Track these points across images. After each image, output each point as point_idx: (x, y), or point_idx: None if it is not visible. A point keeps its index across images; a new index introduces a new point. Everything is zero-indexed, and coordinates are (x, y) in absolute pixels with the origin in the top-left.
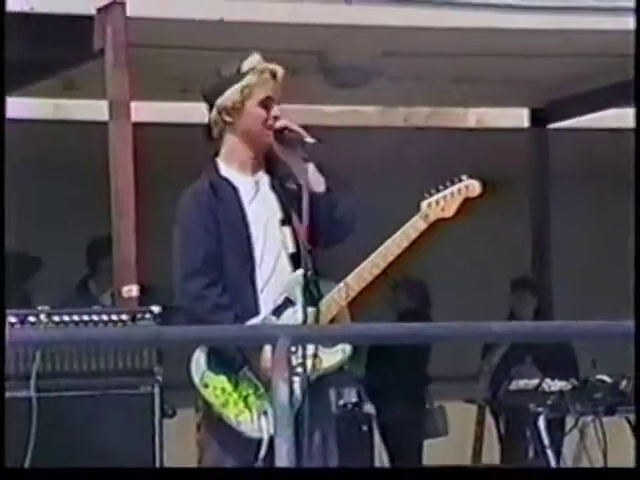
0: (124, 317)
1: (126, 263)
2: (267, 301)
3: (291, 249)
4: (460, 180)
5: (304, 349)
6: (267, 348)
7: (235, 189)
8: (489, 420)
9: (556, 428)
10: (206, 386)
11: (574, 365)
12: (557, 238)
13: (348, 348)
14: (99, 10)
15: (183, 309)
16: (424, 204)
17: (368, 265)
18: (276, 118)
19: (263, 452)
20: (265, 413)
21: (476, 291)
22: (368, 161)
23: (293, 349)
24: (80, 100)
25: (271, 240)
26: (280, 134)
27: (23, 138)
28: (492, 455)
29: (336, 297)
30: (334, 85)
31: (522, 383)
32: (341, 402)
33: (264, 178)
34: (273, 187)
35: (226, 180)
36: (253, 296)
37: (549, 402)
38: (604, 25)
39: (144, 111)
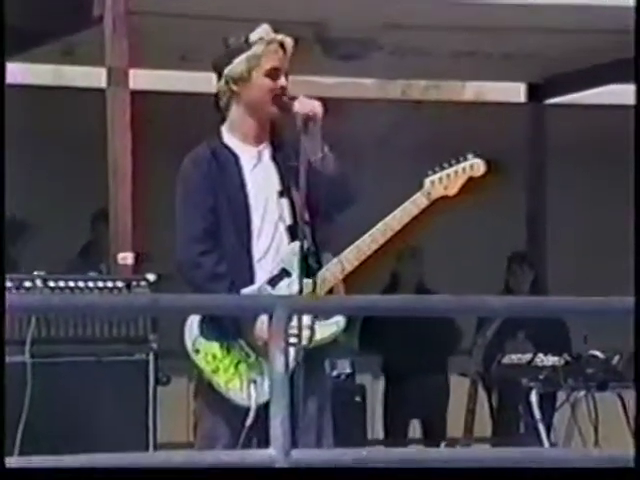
0: (119, 284)
1: (122, 231)
2: (263, 271)
3: (289, 221)
4: (465, 159)
5: (299, 320)
6: (262, 318)
7: (236, 157)
8: (481, 394)
9: (548, 403)
10: (197, 352)
11: (567, 340)
12: (553, 213)
13: (342, 321)
14: None
15: (181, 276)
16: (427, 181)
17: (367, 239)
18: (283, 89)
19: (249, 421)
20: (254, 382)
21: (471, 265)
22: (366, 133)
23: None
24: (79, 67)
25: (270, 211)
26: (306, 119)
27: (22, 104)
28: (484, 429)
29: (333, 270)
30: (333, 57)
31: (515, 358)
32: (335, 373)
33: (267, 149)
34: (274, 158)
35: (228, 148)
36: (249, 265)
37: (541, 377)
38: (603, 1)
39: (143, 79)
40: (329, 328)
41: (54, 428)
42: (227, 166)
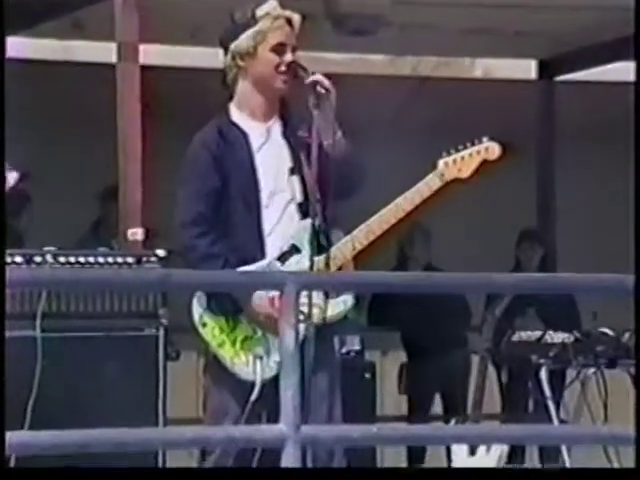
0: (129, 260)
1: (132, 206)
2: (273, 247)
3: (299, 198)
4: (480, 141)
5: (309, 298)
6: (259, 293)
7: (245, 134)
8: (491, 371)
9: (557, 380)
10: (204, 325)
11: (577, 318)
12: (563, 190)
13: (350, 300)
14: None
15: (182, 255)
16: (441, 162)
17: (378, 219)
18: (290, 64)
19: (254, 396)
20: (260, 358)
21: (481, 242)
22: (375, 110)
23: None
24: (89, 42)
25: (280, 188)
26: (313, 89)
27: (30, 78)
28: (493, 405)
29: (343, 249)
30: (342, 33)
31: (525, 335)
32: (344, 350)
33: (276, 125)
34: (284, 135)
35: (236, 125)
36: (259, 241)
37: (551, 354)
38: None
39: (153, 54)
40: (336, 307)
41: (64, 403)
42: (235, 144)
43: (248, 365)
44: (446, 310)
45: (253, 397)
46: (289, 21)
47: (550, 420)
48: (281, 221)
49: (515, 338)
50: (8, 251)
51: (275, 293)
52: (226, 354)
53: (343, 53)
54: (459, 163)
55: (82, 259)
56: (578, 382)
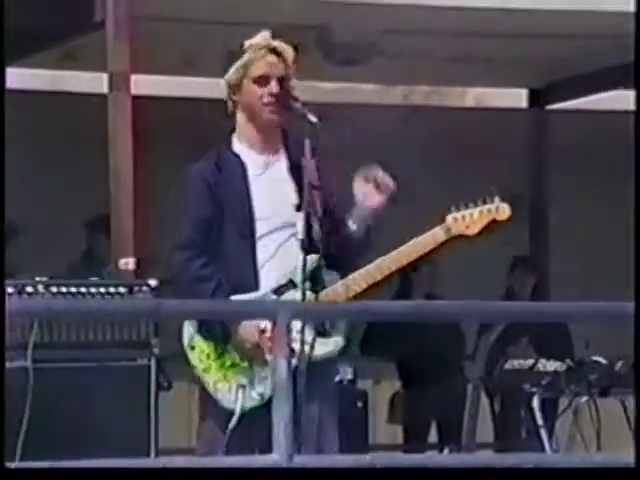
0: (121, 290)
1: (124, 236)
2: (268, 279)
3: (301, 235)
4: (492, 201)
5: (302, 334)
6: (245, 323)
7: (243, 164)
8: (483, 399)
9: (550, 408)
10: (193, 348)
11: (569, 346)
12: (555, 218)
13: (341, 341)
14: None
15: (169, 279)
16: (449, 217)
17: (380, 266)
18: (276, 95)
19: (232, 424)
20: (243, 387)
21: (475, 270)
22: (367, 138)
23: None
24: (80, 72)
25: (280, 221)
26: (304, 119)
27: (22, 109)
28: (486, 434)
29: (339, 291)
30: (333, 62)
31: (517, 363)
32: (337, 379)
33: (282, 159)
34: (290, 170)
35: (236, 155)
36: (252, 270)
37: (544, 382)
38: (604, 6)
39: (145, 84)
40: (327, 347)
41: (55, 433)
42: (232, 174)
43: (230, 392)
44: (441, 338)
45: (231, 425)
46: (274, 51)
47: (543, 449)
48: (278, 254)
49: (508, 366)
50: None
51: (264, 322)
52: (210, 379)
53: (333, 82)
54: (467, 220)
55: (74, 289)
56: (571, 411)
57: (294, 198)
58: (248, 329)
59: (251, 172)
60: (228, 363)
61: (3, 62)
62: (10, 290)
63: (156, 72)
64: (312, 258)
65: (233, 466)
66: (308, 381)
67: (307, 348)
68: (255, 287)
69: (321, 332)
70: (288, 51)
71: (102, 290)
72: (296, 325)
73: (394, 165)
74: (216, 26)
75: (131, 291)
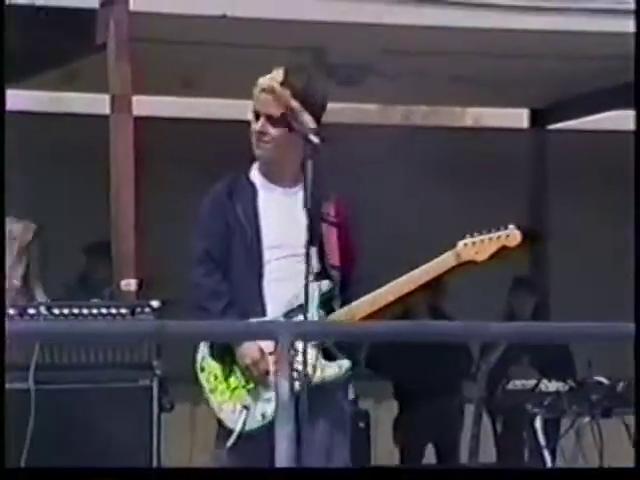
0: (123, 311)
1: (125, 257)
2: (275, 303)
3: (313, 263)
4: (505, 227)
5: (304, 355)
6: (247, 344)
7: (255, 192)
8: (485, 419)
9: (552, 429)
10: (202, 370)
11: (571, 366)
12: (555, 238)
13: (346, 364)
14: (102, 4)
15: (187, 295)
16: (460, 243)
17: (390, 290)
18: (258, 132)
19: (230, 443)
20: (247, 408)
21: (476, 289)
22: (367, 158)
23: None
24: (81, 93)
25: (290, 250)
26: (305, 139)
27: (22, 130)
28: (489, 455)
29: (343, 317)
30: (333, 82)
31: (519, 383)
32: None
33: (299, 194)
34: (305, 204)
35: (251, 183)
36: (258, 295)
37: (546, 403)
38: (604, 27)
39: (145, 105)
40: (331, 370)
41: (58, 456)
42: (244, 200)
43: (234, 413)
44: (439, 357)
45: (228, 444)
46: (263, 89)
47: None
48: (288, 279)
49: (510, 387)
50: None
51: (266, 344)
52: (216, 399)
53: (333, 102)
54: (478, 246)
55: (76, 310)
56: (573, 431)
57: (306, 231)
58: (248, 346)
59: (262, 200)
60: (234, 385)
61: (3, 80)
62: (12, 312)
63: (156, 93)
64: (323, 284)
65: None
66: (314, 403)
67: (310, 369)
68: (260, 310)
69: (327, 355)
70: (270, 87)
71: (104, 311)
72: (301, 347)
73: (395, 184)
74: (215, 48)
75: (133, 312)
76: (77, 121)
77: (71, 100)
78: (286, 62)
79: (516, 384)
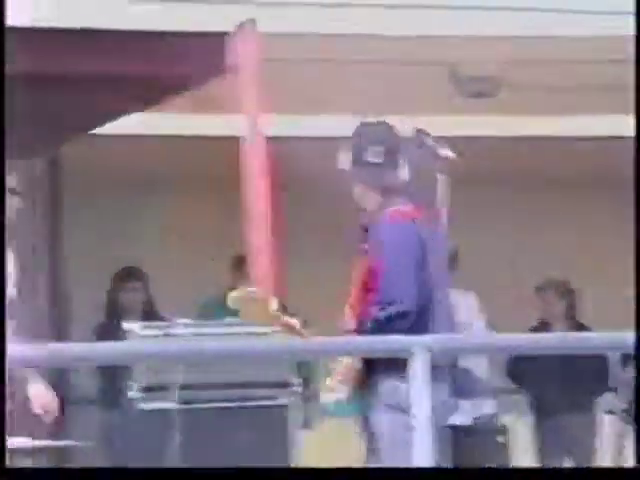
0: (261, 330)
1: (262, 276)
2: None
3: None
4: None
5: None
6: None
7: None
8: (629, 430)
9: None
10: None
11: None
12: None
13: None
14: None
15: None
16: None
17: None
18: None
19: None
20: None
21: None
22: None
23: None
24: (213, 115)
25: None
26: (435, 154)
27: (152, 154)
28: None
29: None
30: (464, 95)
31: None
32: (477, 414)
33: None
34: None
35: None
36: None
37: None
38: None
39: (276, 125)
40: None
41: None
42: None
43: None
44: (579, 369)
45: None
46: None
47: None
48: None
49: None
50: (144, 324)
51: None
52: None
53: (464, 115)
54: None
55: (215, 330)
56: None
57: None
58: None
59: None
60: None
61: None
62: (155, 332)
63: (288, 112)
64: None
65: None
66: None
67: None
68: None
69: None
70: None
71: (241, 330)
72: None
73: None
74: (347, 65)
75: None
76: (208, 142)
77: (202, 122)
78: (423, 76)
79: None
